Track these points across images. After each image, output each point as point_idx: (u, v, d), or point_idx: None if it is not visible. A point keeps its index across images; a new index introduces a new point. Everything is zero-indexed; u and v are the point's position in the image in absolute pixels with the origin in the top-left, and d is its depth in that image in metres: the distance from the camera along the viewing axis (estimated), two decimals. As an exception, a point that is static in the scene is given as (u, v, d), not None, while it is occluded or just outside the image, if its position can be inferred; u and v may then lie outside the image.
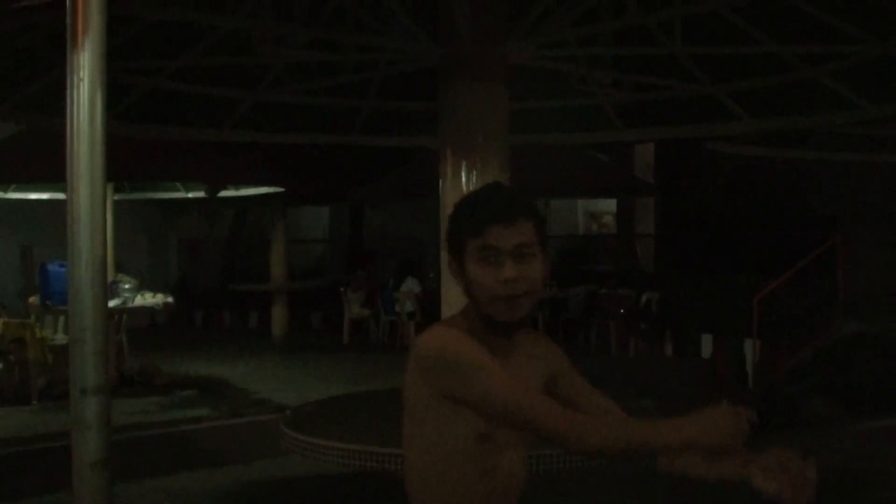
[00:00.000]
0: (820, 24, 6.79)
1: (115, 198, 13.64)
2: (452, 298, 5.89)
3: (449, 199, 6.43)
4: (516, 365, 2.67)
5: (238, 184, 15.48)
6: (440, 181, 6.50)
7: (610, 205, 23.97)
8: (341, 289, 18.17)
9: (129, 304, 12.87)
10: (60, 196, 14.19)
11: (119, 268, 13.72)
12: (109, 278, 12.50)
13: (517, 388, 2.51)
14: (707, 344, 14.95)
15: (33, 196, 14.95)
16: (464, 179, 6.47)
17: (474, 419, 2.53)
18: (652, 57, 7.81)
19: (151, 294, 13.37)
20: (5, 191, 14.66)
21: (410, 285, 17.38)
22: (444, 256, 2.78)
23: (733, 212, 17.98)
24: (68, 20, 2.97)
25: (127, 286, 12.86)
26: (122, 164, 10.83)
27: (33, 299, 12.98)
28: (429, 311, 15.60)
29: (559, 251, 22.05)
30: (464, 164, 6.45)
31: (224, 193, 15.88)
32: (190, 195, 16.21)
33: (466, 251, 2.57)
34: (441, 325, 2.73)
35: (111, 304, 12.29)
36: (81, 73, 3.02)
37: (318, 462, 6.29)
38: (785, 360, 13.26)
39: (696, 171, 18.88)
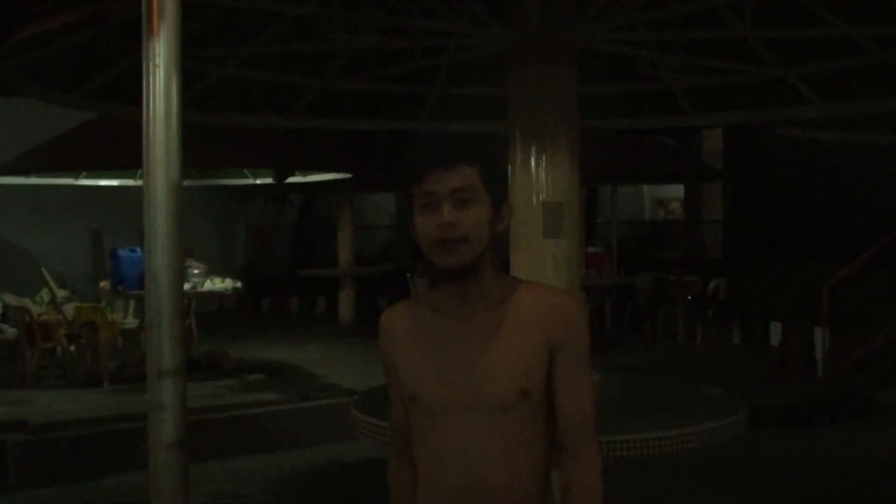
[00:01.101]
0: (891, 4, 6.68)
1: (185, 184, 13.76)
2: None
3: (519, 184, 6.43)
4: (479, 330, 2.62)
5: (305, 170, 15.55)
6: (509, 166, 6.49)
7: (677, 191, 23.83)
8: (408, 274, 18.24)
9: (199, 289, 12.98)
10: (130, 182, 14.37)
11: (188, 253, 13.85)
12: (179, 264, 12.63)
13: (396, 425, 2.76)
14: (776, 332, 14.81)
15: (103, 182, 15.12)
16: (533, 164, 6.46)
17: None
18: (722, 40, 7.73)
19: (220, 279, 13.49)
20: (76, 177, 14.85)
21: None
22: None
23: (803, 197, 17.78)
24: (143, 7, 3.01)
25: (196, 271, 12.97)
26: (191, 152, 10.94)
27: (104, 284, 13.15)
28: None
29: (626, 237, 21.95)
30: (533, 148, 6.44)
31: (291, 179, 15.96)
32: (258, 181, 16.32)
33: (413, 201, 2.59)
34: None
35: (181, 289, 12.41)
36: (157, 61, 3.06)
37: (385, 445, 6.33)
38: (855, 348, 13.10)
39: (765, 157, 18.68)
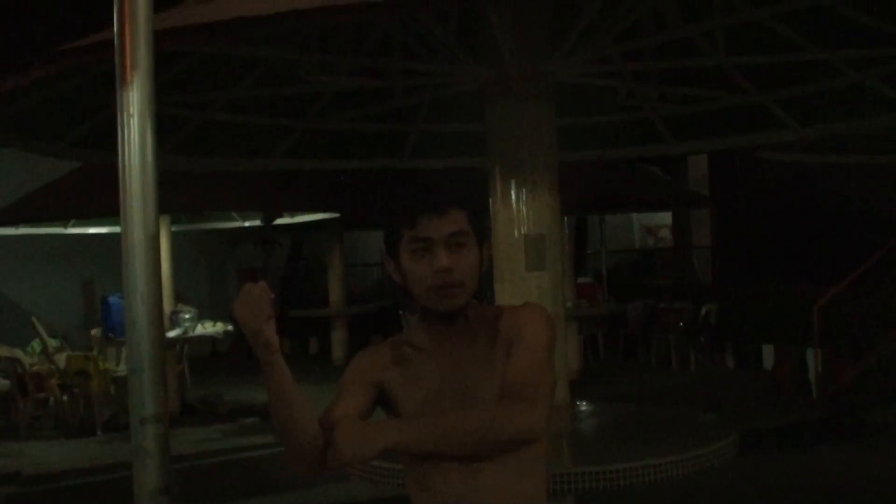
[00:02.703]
0: (863, 27, 6.75)
1: (173, 229, 13.82)
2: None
3: (500, 219, 6.47)
4: (464, 359, 2.68)
5: (293, 211, 15.61)
6: (490, 200, 6.53)
7: (666, 218, 23.89)
8: (400, 311, 18.24)
9: (190, 334, 13.01)
10: (118, 230, 14.37)
11: (178, 298, 13.88)
12: (169, 308, 12.67)
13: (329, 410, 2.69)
14: (768, 355, 14.85)
15: (92, 230, 15.17)
16: (513, 198, 6.49)
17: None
18: (698, 68, 7.80)
19: (211, 323, 13.51)
20: (65, 226, 14.88)
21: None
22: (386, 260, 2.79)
23: (790, 219, 17.85)
24: (116, 59, 3.04)
25: (187, 316, 13.01)
26: (177, 196, 11.00)
27: (95, 332, 13.18)
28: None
29: (616, 266, 21.99)
30: (513, 182, 6.48)
31: (280, 221, 16.02)
32: (246, 224, 16.37)
33: (401, 246, 2.62)
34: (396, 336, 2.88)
35: (172, 334, 12.45)
36: (131, 110, 3.08)
37: (379, 486, 6.33)
38: (848, 368, 13.12)
39: (751, 181, 18.77)
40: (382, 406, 2.79)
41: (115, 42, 2.99)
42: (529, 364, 2.61)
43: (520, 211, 6.42)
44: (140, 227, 3.15)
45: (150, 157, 3.15)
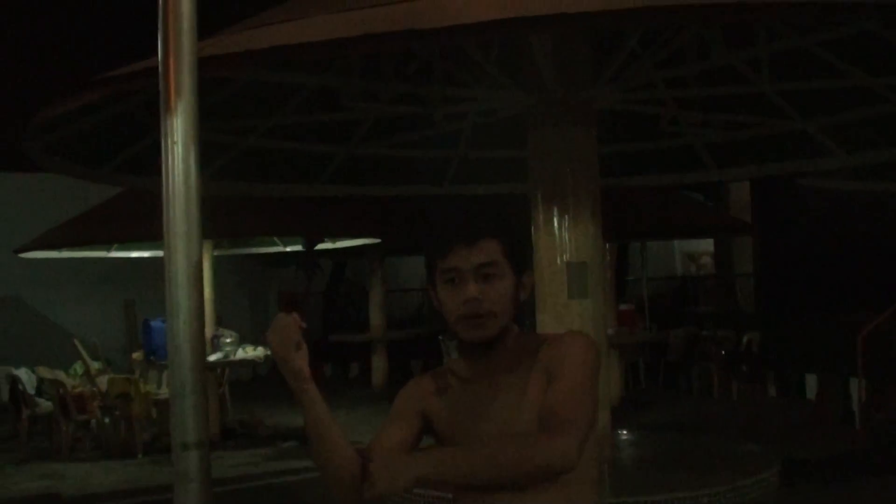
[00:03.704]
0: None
1: (215, 253, 13.87)
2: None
3: (542, 246, 6.45)
4: (503, 388, 2.66)
5: (334, 237, 15.64)
6: (532, 227, 6.52)
7: (707, 245, 23.77)
8: (439, 337, 18.21)
9: (231, 358, 13.04)
10: (160, 254, 14.47)
11: (220, 322, 13.92)
12: (210, 333, 12.72)
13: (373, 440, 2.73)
14: (811, 384, 14.69)
15: (135, 254, 15.27)
16: (556, 225, 6.47)
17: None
18: (741, 95, 7.76)
19: (252, 347, 13.54)
20: (108, 250, 14.99)
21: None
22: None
23: (833, 247, 17.69)
24: (161, 86, 3.06)
25: (228, 340, 13.04)
26: (219, 222, 11.05)
27: (137, 355, 13.25)
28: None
29: (658, 293, 21.87)
30: (555, 209, 6.46)
31: (321, 246, 16.06)
32: (288, 249, 16.42)
33: (436, 275, 2.61)
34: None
35: (213, 357, 12.49)
36: (175, 137, 3.10)
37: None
38: (893, 398, 12.95)
39: (794, 208, 18.63)
40: (432, 435, 2.78)
41: (160, 69, 3.01)
42: (567, 393, 2.57)
43: (562, 238, 6.40)
44: (183, 253, 3.16)
45: (193, 184, 3.16)
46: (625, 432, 7.39)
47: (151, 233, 11.59)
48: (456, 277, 2.60)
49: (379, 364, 18.56)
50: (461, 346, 2.73)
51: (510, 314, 2.65)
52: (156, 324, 12.47)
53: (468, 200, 9.50)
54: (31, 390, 13.14)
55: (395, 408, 2.81)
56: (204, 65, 3.19)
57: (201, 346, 3.31)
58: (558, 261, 6.40)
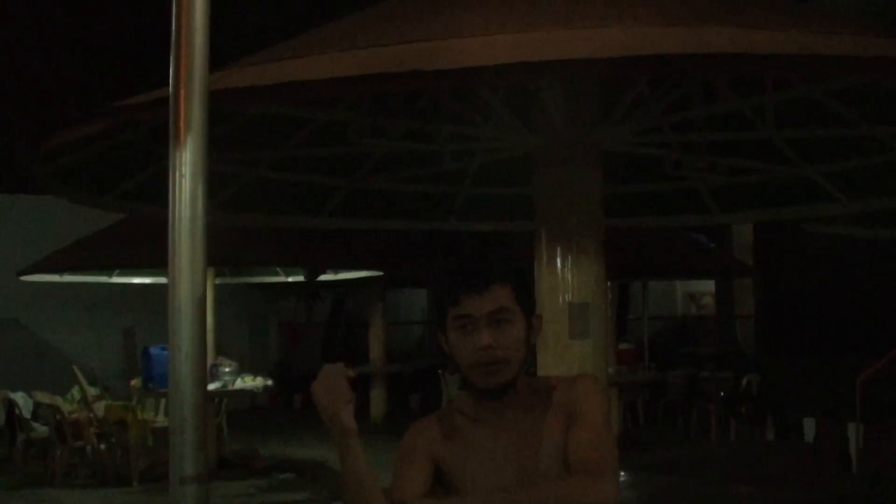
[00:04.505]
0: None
1: (217, 282, 13.88)
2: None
3: (544, 285, 6.45)
4: (519, 432, 2.64)
5: (336, 268, 15.65)
6: (535, 265, 6.52)
7: (709, 285, 23.74)
8: (439, 371, 18.18)
9: (230, 388, 13.01)
10: (162, 280, 14.49)
11: (219, 351, 13.91)
12: (210, 362, 12.70)
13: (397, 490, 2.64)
14: (810, 427, 14.64)
15: (136, 280, 15.28)
16: (559, 264, 6.48)
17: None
18: (746, 140, 7.79)
19: (251, 377, 13.51)
20: (109, 275, 15.00)
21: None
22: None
23: (834, 291, 17.66)
24: (171, 118, 3.06)
25: (227, 369, 13.01)
26: (222, 251, 11.06)
27: (135, 382, 13.21)
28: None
29: (658, 333, 21.84)
30: (559, 248, 6.47)
31: (323, 277, 16.06)
32: (289, 279, 16.42)
33: (447, 322, 2.61)
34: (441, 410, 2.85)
35: (211, 387, 12.46)
36: (183, 170, 3.10)
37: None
38: (890, 444, 12.91)
39: (796, 251, 18.62)
40: (438, 483, 2.74)
41: (171, 102, 3.01)
42: (594, 438, 2.57)
43: (564, 278, 6.40)
44: (188, 284, 3.16)
45: (200, 216, 3.16)
46: (623, 473, 7.36)
47: (154, 259, 11.63)
48: (468, 325, 2.58)
49: (378, 396, 18.53)
50: (469, 387, 2.72)
51: (522, 358, 2.64)
52: (155, 351, 12.44)
53: (478, 246, 9.52)
54: (27, 414, 13.10)
55: (402, 458, 2.76)
56: (214, 98, 3.20)
57: (203, 380, 3.30)
58: (560, 300, 6.40)
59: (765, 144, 7.69)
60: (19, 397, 13.24)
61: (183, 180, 3.13)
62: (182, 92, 3.05)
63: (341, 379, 2.52)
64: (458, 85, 5.98)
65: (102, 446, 12.53)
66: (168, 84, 3.01)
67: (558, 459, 2.59)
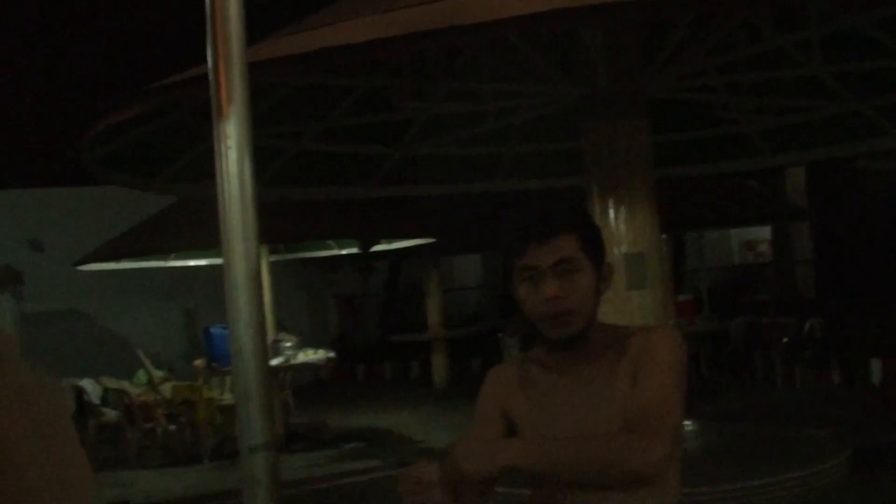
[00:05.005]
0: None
1: (271, 259, 13.94)
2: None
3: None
4: (586, 381, 2.61)
5: (390, 238, 15.67)
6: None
7: (765, 232, 23.52)
8: (498, 334, 18.18)
9: (292, 362, 13.08)
10: (218, 261, 14.56)
11: (280, 327, 13.98)
12: (270, 337, 12.78)
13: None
14: (877, 369, 14.49)
15: (192, 263, 15.37)
16: (612, 216, 6.46)
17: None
18: (794, 78, 7.69)
19: (313, 350, 13.56)
20: (166, 259, 15.12)
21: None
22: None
23: (892, 228, 17.45)
24: (212, 92, 3.07)
25: (288, 344, 13.08)
26: (275, 226, 11.10)
27: (199, 362, 13.32)
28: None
29: (716, 283, 21.69)
30: (611, 201, 6.44)
31: (377, 248, 16.08)
32: (343, 252, 16.46)
33: (515, 274, 2.58)
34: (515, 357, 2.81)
35: (275, 362, 12.54)
36: (229, 142, 3.11)
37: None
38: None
39: (851, 191, 18.41)
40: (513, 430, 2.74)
41: (210, 76, 3.02)
42: (656, 394, 2.50)
43: (618, 229, 6.38)
44: (242, 257, 3.18)
45: (248, 188, 3.18)
46: (690, 423, 7.34)
47: (208, 240, 11.72)
48: (535, 276, 2.54)
49: (439, 363, 18.56)
50: (541, 339, 2.70)
51: (593, 307, 2.59)
52: (216, 331, 12.52)
53: (542, 196, 9.47)
54: (96, 400, 13.26)
55: (479, 409, 2.76)
56: (253, 69, 3.20)
57: (263, 347, 3.33)
58: (616, 252, 6.37)
59: (812, 81, 7.60)
60: (87, 384, 13.40)
61: (229, 152, 3.15)
62: (221, 64, 3.06)
63: (419, 482, 2.42)
64: (497, 37, 5.95)
65: (172, 427, 12.66)
66: (204, 62, 3.02)
67: (622, 413, 2.53)
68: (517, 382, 2.74)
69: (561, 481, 2.52)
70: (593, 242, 2.61)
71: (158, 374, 13.47)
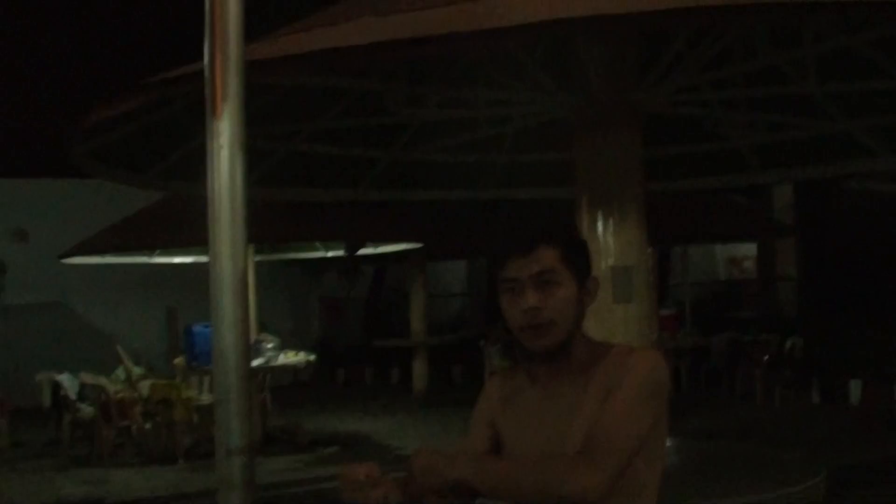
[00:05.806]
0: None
1: (257, 258, 13.89)
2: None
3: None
4: (558, 398, 2.61)
5: (376, 241, 15.64)
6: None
7: (750, 248, 23.58)
8: (481, 342, 18.14)
9: (273, 363, 13.03)
10: (203, 259, 14.52)
11: (262, 327, 13.93)
12: (252, 338, 12.71)
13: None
14: (856, 390, 14.52)
15: (177, 260, 15.32)
16: (600, 229, 6.44)
17: None
18: (787, 96, 7.68)
19: (294, 352, 13.52)
20: (150, 255, 15.06)
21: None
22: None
23: (878, 250, 17.48)
24: (207, 90, 3.03)
25: (270, 345, 13.03)
26: (262, 226, 11.06)
27: (178, 360, 13.27)
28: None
29: (700, 298, 21.72)
30: (600, 213, 6.42)
31: (363, 251, 16.05)
32: (329, 254, 16.43)
33: (499, 287, 2.59)
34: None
35: (255, 363, 12.48)
36: (221, 141, 3.07)
37: None
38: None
39: (838, 210, 18.44)
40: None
41: (206, 72, 2.98)
42: (613, 420, 2.48)
43: (606, 242, 6.36)
44: (229, 257, 3.13)
45: (239, 188, 3.13)
46: (668, 440, 7.30)
47: (194, 238, 11.66)
48: (515, 287, 2.56)
49: (420, 369, 18.52)
50: (522, 351, 2.70)
51: (573, 321, 2.59)
52: (198, 329, 12.47)
53: (525, 209, 9.45)
54: (73, 395, 13.18)
55: (473, 416, 2.83)
56: (251, 69, 3.16)
57: (246, 350, 3.28)
58: (602, 265, 6.34)
59: (804, 100, 7.59)
60: (65, 379, 13.32)
61: (221, 151, 3.10)
62: (218, 61, 3.02)
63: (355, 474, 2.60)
64: (496, 46, 5.93)
65: (148, 425, 12.59)
66: (201, 59, 2.99)
67: (586, 433, 2.51)
68: (504, 394, 2.76)
69: (505, 500, 2.51)
70: (576, 256, 2.62)
71: (137, 371, 13.40)
